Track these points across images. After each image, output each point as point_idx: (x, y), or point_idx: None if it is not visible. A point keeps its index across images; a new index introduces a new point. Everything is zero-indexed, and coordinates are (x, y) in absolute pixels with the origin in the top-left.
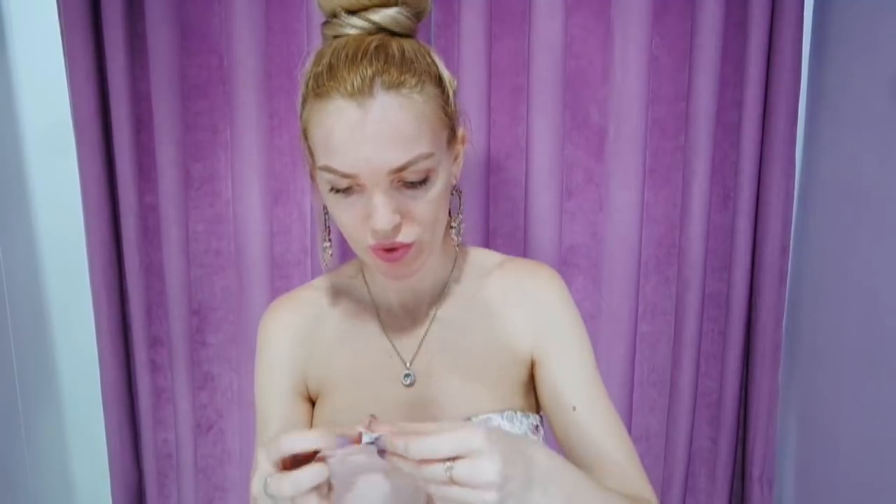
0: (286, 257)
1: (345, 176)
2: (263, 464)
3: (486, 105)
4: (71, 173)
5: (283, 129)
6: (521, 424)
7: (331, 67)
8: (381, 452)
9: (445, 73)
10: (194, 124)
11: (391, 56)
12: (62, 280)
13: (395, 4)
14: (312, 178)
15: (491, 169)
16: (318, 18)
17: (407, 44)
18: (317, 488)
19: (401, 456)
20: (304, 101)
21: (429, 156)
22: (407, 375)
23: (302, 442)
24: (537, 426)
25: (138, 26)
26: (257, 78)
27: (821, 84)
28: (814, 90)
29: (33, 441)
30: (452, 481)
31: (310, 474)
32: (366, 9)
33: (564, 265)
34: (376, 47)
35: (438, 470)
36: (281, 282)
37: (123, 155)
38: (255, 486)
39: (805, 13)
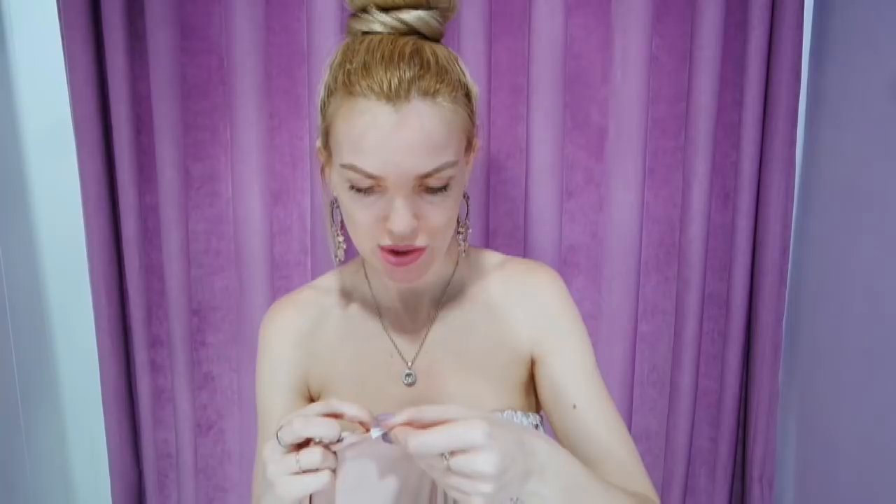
0: (286, 257)
1: (370, 177)
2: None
3: (486, 105)
4: (71, 174)
5: (283, 129)
6: (520, 424)
7: (365, 66)
8: (387, 437)
9: (472, 83)
10: (194, 124)
11: (426, 62)
12: (62, 280)
13: (426, 7)
14: (323, 172)
15: (491, 169)
16: (319, 18)
17: (439, 50)
18: (325, 457)
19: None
20: (331, 96)
21: (453, 164)
22: (408, 375)
23: (315, 428)
24: (537, 426)
25: (138, 26)
26: (257, 78)
27: (821, 84)
28: (814, 90)
29: (33, 441)
30: (450, 471)
31: (322, 424)
32: (398, 7)
33: (564, 265)
34: (412, 52)
35: (437, 460)
36: (281, 282)
37: (123, 155)
38: (266, 470)
39: (805, 13)
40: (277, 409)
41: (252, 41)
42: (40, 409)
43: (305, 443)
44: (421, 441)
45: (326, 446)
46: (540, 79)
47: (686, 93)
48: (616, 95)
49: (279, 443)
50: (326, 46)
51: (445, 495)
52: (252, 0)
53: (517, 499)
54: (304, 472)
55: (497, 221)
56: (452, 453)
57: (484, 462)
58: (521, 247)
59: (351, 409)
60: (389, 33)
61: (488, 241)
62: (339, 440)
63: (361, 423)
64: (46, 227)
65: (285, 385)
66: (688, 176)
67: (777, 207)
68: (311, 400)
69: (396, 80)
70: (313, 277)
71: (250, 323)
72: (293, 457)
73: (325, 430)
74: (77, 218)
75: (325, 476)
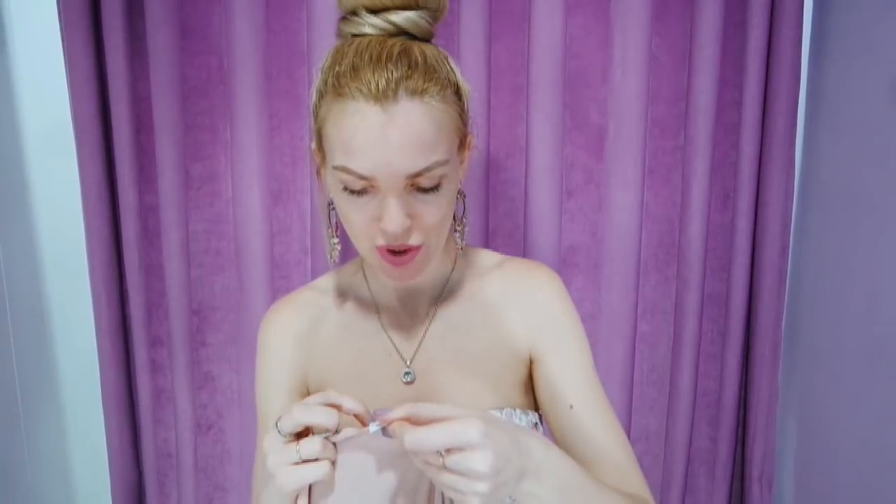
0: (286, 257)
1: (361, 178)
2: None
3: (486, 105)
4: (71, 174)
5: (283, 130)
6: (519, 422)
7: (354, 68)
8: (385, 432)
9: (463, 82)
10: (194, 125)
11: (415, 62)
12: (62, 280)
13: (416, 7)
14: (318, 174)
15: (491, 169)
16: (319, 19)
17: (428, 49)
18: (325, 447)
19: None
20: (321, 98)
21: (444, 162)
22: (407, 373)
23: (315, 415)
24: (536, 424)
25: (138, 27)
26: (257, 78)
27: (820, 84)
28: (813, 90)
29: (33, 441)
30: (446, 469)
31: (322, 412)
32: (387, 9)
33: (564, 265)
34: (399, 52)
35: (433, 457)
36: (281, 282)
37: (123, 155)
38: (268, 459)
39: (805, 13)
40: (277, 410)
41: (252, 42)
42: (40, 409)
43: (305, 434)
44: (417, 437)
45: (326, 438)
46: (540, 78)
47: (685, 92)
48: (616, 95)
49: (279, 432)
50: (326, 47)
51: (444, 493)
52: (252, 1)
53: (513, 499)
54: (305, 462)
55: (497, 221)
56: (448, 451)
57: (479, 461)
58: (520, 247)
59: (348, 402)
60: (379, 35)
61: (488, 241)
62: (337, 432)
63: (358, 417)
64: (46, 227)
65: (284, 386)
66: (687, 176)
67: (776, 207)
68: None
69: (384, 81)
70: (313, 277)
71: (250, 323)
72: (293, 447)
73: (324, 417)
74: (77, 218)
75: (325, 466)
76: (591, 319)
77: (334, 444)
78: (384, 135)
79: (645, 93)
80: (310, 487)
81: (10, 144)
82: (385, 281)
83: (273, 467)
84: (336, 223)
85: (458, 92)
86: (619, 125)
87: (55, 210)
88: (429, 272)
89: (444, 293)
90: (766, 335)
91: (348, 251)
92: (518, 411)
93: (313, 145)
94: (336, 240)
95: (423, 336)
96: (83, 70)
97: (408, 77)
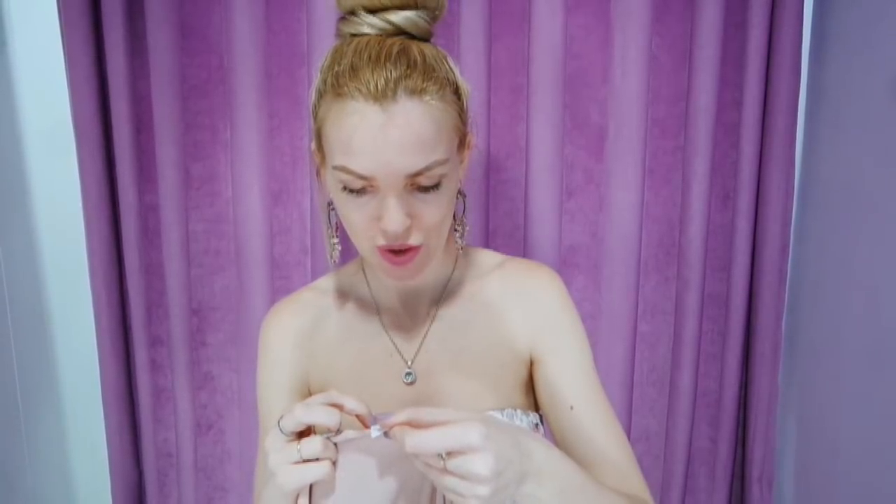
0: (286, 257)
1: (361, 177)
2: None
3: (486, 105)
4: (71, 174)
5: (283, 129)
6: (521, 423)
7: (353, 67)
8: (387, 435)
9: (462, 81)
10: (194, 124)
11: (413, 61)
12: (62, 280)
13: (414, 7)
14: (319, 174)
15: (491, 169)
16: (319, 19)
17: (427, 49)
18: (326, 447)
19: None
20: (321, 98)
21: (444, 162)
22: (408, 374)
23: (317, 414)
24: (537, 424)
25: (138, 26)
26: (257, 78)
27: (820, 84)
28: (813, 90)
29: (33, 441)
30: (447, 471)
31: (324, 411)
32: (385, 9)
33: (564, 265)
34: (398, 51)
35: (434, 459)
36: (281, 282)
37: (123, 155)
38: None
39: (805, 13)
40: (278, 411)
41: (252, 41)
42: (40, 409)
43: (306, 434)
44: (418, 440)
45: (327, 438)
46: (540, 79)
47: (686, 92)
48: (616, 95)
49: (281, 431)
50: (326, 47)
51: (445, 496)
52: (252, 0)
53: (514, 501)
54: (305, 461)
55: (497, 221)
56: (449, 454)
57: (480, 464)
58: (520, 247)
59: (350, 402)
60: (378, 34)
61: (488, 241)
62: (340, 432)
63: (360, 418)
64: (46, 227)
65: (285, 386)
66: (687, 176)
67: (776, 207)
68: None
69: (383, 81)
70: (313, 277)
71: (250, 323)
72: (294, 446)
73: (326, 416)
74: (77, 218)
75: (325, 466)
76: (591, 320)
77: (335, 444)
78: (383, 134)
79: (645, 93)
80: (311, 488)
81: (10, 144)
82: (386, 281)
83: (274, 466)
84: (336, 223)
85: (457, 91)
86: (619, 125)
87: (55, 210)
88: (430, 272)
89: (444, 293)
90: (767, 335)
91: (348, 251)
92: (519, 412)
93: (313, 145)
94: (336, 240)
95: (424, 336)
96: (83, 69)
97: (407, 76)
